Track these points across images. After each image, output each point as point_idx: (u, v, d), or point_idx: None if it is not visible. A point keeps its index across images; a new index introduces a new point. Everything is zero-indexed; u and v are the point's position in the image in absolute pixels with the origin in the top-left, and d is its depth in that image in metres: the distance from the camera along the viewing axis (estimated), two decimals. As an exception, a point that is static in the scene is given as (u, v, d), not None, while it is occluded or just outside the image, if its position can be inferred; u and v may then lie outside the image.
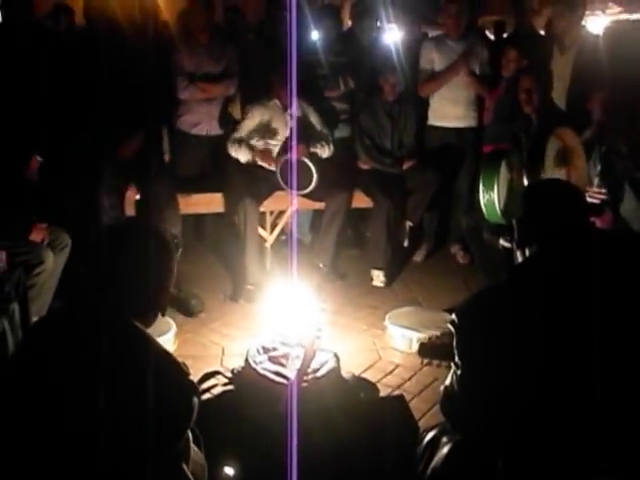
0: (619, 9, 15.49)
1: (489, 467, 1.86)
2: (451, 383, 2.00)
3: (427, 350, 2.79)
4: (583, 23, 5.23)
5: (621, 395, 1.78)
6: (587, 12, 5.63)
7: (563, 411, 1.79)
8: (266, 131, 4.79)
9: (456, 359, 1.96)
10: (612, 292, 1.84)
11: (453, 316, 1.99)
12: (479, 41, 5.28)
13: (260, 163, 4.70)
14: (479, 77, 5.10)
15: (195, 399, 1.77)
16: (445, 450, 2.03)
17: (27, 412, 1.65)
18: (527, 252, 2.07)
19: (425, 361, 3.14)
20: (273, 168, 4.63)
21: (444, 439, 2.07)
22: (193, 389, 1.80)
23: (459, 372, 1.95)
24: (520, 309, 1.88)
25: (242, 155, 4.73)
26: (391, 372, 3.61)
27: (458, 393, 1.95)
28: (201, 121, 4.99)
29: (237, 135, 4.78)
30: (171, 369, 1.74)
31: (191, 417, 1.76)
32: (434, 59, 5.14)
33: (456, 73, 5.04)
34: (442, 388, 2.06)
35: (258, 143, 4.79)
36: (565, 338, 1.82)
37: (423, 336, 3.76)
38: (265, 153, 4.72)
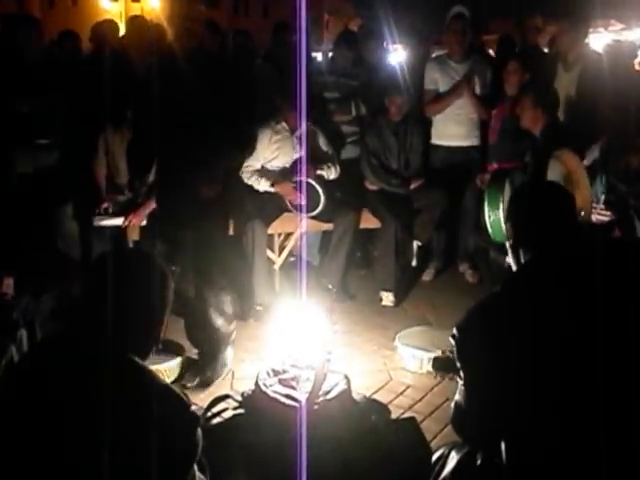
0: (621, 26, 15.57)
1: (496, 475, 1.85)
2: (459, 397, 2.01)
3: (441, 364, 2.77)
4: (586, 41, 5.24)
5: (622, 401, 1.76)
6: (590, 29, 5.65)
7: (565, 419, 1.78)
8: (277, 155, 4.82)
9: (460, 373, 1.97)
10: (611, 297, 1.81)
11: (454, 330, 1.99)
12: (482, 61, 5.30)
13: (281, 193, 4.71)
14: (481, 98, 5.11)
15: (199, 432, 1.74)
16: (453, 463, 2.04)
17: (24, 449, 1.62)
18: (522, 256, 2.07)
19: (438, 375, 3.13)
20: (292, 198, 4.64)
21: (453, 454, 2.07)
22: (196, 422, 1.76)
23: (462, 385, 1.96)
24: (518, 318, 1.87)
25: (262, 186, 4.74)
26: (402, 393, 3.58)
27: (464, 406, 1.96)
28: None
29: (253, 167, 4.79)
30: (172, 404, 1.70)
31: (196, 452, 1.73)
32: (437, 79, 5.17)
33: (459, 95, 5.06)
34: (453, 404, 2.06)
35: (274, 167, 4.81)
36: (565, 344, 1.80)
37: (434, 356, 3.75)
38: (285, 185, 4.71)
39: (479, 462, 1.96)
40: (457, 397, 2.03)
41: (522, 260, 2.08)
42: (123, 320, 1.74)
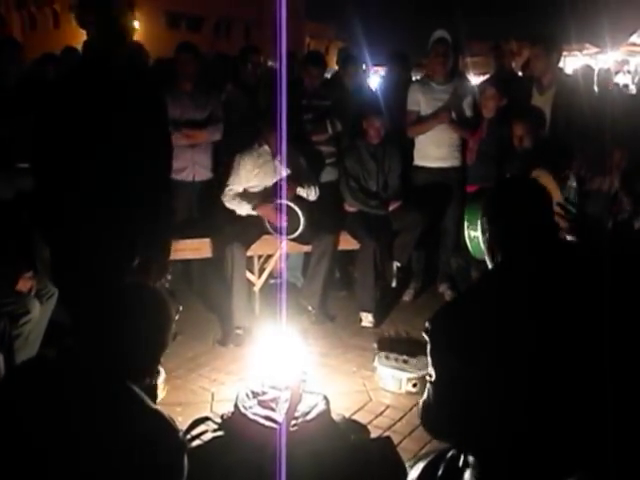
0: (595, 49, 15.88)
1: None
2: (427, 395, 2.02)
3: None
4: (560, 65, 5.36)
5: (584, 392, 1.80)
6: (565, 53, 5.78)
7: (533, 418, 1.81)
8: (259, 179, 4.85)
9: (429, 368, 1.98)
10: (585, 297, 1.85)
11: (427, 324, 2.00)
12: (463, 84, 5.39)
13: (262, 216, 4.73)
14: (462, 121, 5.19)
15: (185, 457, 1.75)
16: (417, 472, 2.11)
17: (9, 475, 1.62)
18: (498, 256, 2.05)
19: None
20: (272, 220, 4.66)
21: (419, 463, 2.13)
22: (183, 447, 1.77)
23: (432, 381, 1.98)
24: (484, 319, 1.89)
25: (243, 210, 4.77)
26: (382, 413, 3.60)
27: (433, 403, 1.97)
28: (186, 167, 5.02)
29: (235, 191, 4.82)
30: (162, 428, 1.71)
31: (182, 477, 1.74)
32: (420, 101, 5.24)
33: (440, 122, 5.13)
34: (421, 402, 2.07)
35: (255, 189, 4.84)
36: (538, 343, 1.83)
37: (413, 376, 3.78)
38: (267, 207, 4.73)
39: (440, 472, 1.98)
40: (425, 396, 2.05)
41: (497, 259, 2.07)
42: (123, 352, 1.75)
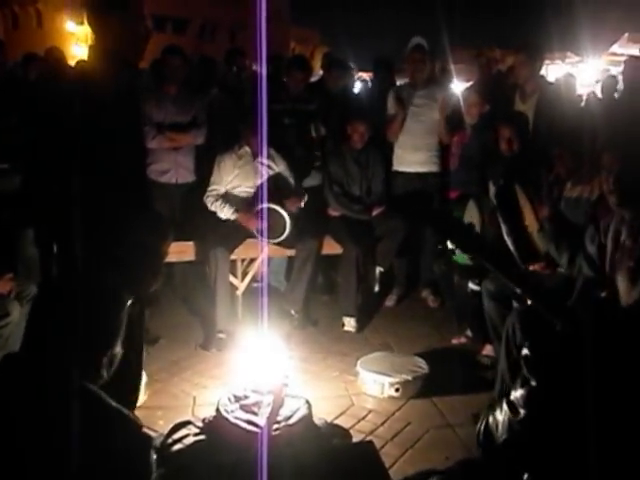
0: (577, 58, 16.06)
1: None
2: (498, 422, 1.89)
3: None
4: (542, 72, 5.40)
5: None
6: (547, 61, 5.83)
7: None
8: (239, 178, 4.84)
9: (521, 404, 1.85)
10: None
11: (527, 352, 1.89)
12: (442, 88, 5.42)
13: (243, 224, 4.71)
14: (443, 123, 5.21)
15: (152, 453, 1.73)
16: None
17: None
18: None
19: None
20: (256, 228, 4.65)
21: None
22: (149, 443, 1.76)
23: (523, 418, 1.84)
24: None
25: (224, 213, 4.75)
26: (364, 418, 3.59)
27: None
28: (169, 169, 5.01)
29: (218, 191, 4.81)
30: (125, 426, 1.69)
31: (151, 472, 1.72)
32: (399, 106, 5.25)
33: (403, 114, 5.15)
34: (483, 423, 1.96)
35: (238, 192, 4.83)
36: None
37: (395, 381, 3.79)
38: (250, 217, 4.71)
39: None
40: (499, 421, 1.91)
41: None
42: (73, 346, 1.73)
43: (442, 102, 5.14)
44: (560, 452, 1.76)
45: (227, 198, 4.82)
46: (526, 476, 1.84)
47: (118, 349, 1.90)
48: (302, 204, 4.86)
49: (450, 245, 4.18)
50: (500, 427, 1.87)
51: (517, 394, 1.86)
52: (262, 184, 4.75)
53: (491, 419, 1.92)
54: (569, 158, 3.91)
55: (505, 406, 1.88)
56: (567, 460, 1.75)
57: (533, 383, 1.83)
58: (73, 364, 1.72)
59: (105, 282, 1.95)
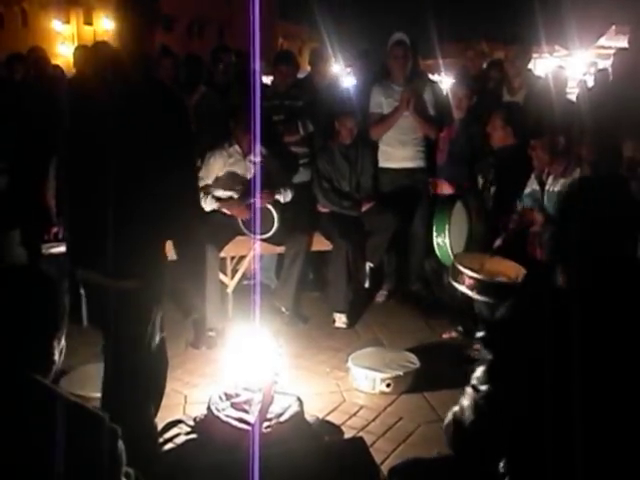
0: (565, 52, 16.11)
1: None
2: (470, 410, 1.83)
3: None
4: (530, 66, 5.42)
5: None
6: (535, 55, 5.85)
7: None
8: (228, 178, 4.83)
9: (481, 381, 1.81)
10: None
11: (481, 333, 1.84)
12: (423, 83, 5.40)
13: (229, 213, 4.71)
14: (426, 118, 5.20)
15: (120, 443, 1.69)
16: None
17: None
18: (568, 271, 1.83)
19: None
20: (243, 217, 4.64)
21: None
22: (115, 434, 1.71)
23: (486, 393, 1.80)
24: (559, 337, 1.68)
25: (207, 205, 4.74)
26: (355, 414, 3.59)
27: (474, 418, 1.80)
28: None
29: (204, 182, 4.78)
30: (86, 420, 1.66)
31: (120, 464, 1.68)
32: (382, 103, 5.24)
33: (400, 113, 5.13)
34: (451, 414, 1.90)
35: (223, 193, 4.82)
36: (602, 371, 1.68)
37: (386, 376, 3.79)
38: (234, 204, 4.72)
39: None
40: (458, 407, 1.87)
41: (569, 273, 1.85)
42: (17, 337, 1.67)
43: (411, 99, 5.12)
44: (526, 421, 1.73)
45: (212, 188, 4.80)
46: (502, 464, 1.84)
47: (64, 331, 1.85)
48: (282, 199, 4.85)
49: (436, 242, 4.19)
50: (467, 412, 1.83)
51: (477, 374, 1.84)
52: (252, 180, 4.73)
53: (457, 408, 1.90)
54: (542, 150, 3.93)
55: (469, 389, 1.85)
56: (534, 428, 1.71)
57: (489, 357, 1.79)
58: (19, 350, 1.68)
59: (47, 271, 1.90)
